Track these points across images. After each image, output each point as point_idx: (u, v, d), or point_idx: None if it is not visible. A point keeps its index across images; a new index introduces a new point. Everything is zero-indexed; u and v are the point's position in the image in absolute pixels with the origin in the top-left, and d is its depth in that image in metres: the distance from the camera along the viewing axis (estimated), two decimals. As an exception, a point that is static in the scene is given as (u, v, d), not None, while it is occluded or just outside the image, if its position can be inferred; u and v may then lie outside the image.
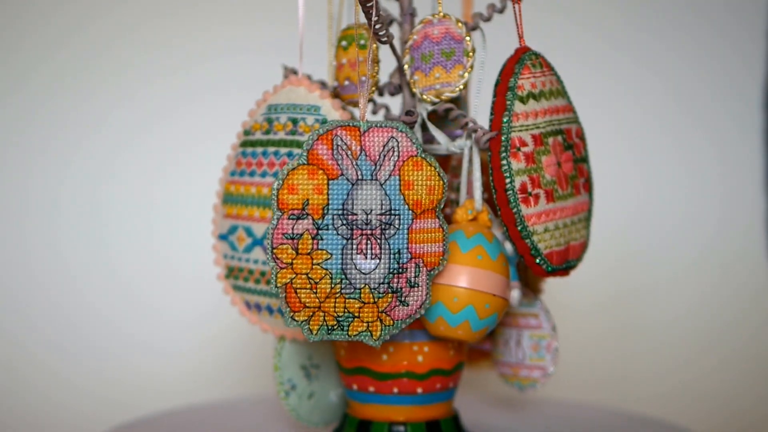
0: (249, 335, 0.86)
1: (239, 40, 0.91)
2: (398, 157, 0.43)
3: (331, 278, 0.43)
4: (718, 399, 0.91)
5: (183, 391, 0.88)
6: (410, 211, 0.43)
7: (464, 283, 0.46)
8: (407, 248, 0.43)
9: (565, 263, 0.48)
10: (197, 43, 0.91)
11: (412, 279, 0.43)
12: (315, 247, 0.43)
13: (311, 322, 0.43)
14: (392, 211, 0.43)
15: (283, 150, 0.50)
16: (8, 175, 0.90)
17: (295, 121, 0.50)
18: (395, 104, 0.55)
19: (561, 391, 0.85)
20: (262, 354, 0.83)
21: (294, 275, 0.43)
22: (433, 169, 0.43)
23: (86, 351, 0.89)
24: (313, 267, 0.43)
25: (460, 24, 0.49)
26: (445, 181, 0.44)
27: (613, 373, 0.92)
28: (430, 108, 0.50)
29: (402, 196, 0.43)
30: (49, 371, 0.89)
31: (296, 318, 0.43)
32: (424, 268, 0.43)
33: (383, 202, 0.43)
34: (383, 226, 0.43)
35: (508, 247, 0.49)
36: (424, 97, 0.49)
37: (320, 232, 0.43)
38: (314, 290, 0.43)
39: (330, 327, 0.43)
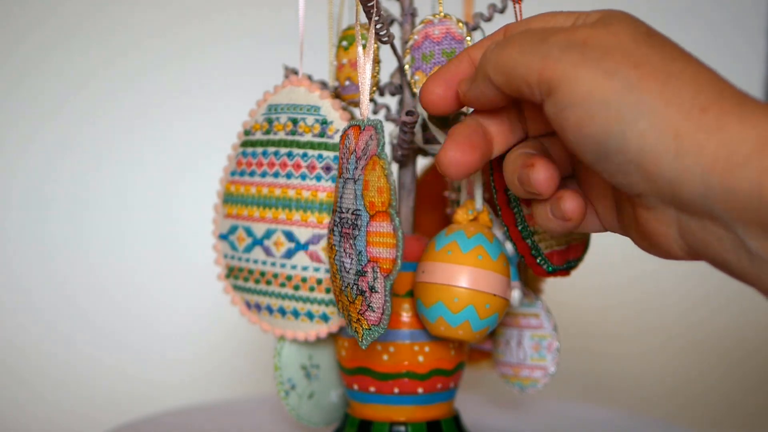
0: (249, 335, 0.86)
1: (240, 40, 0.91)
2: (368, 156, 0.41)
3: (339, 273, 0.43)
4: (718, 399, 0.91)
5: (183, 392, 0.88)
6: (367, 213, 0.41)
7: (465, 283, 0.46)
8: (365, 250, 0.41)
9: (565, 263, 0.48)
10: (198, 42, 0.91)
11: (372, 283, 0.41)
12: (332, 242, 0.44)
13: (344, 314, 0.44)
14: (357, 211, 0.42)
15: (283, 150, 0.50)
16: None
17: (295, 121, 0.50)
18: (396, 104, 0.55)
19: (561, 391, 0.85)
20: (262, 354, 0.83)
21: (330, 268, 0.45)
22: (382, 169, 0.40)
23: (85, 351, 0.89)
24: (333, 261, 0.44)
25: (461, 24, 0.49)
26: (391, 182, 0.40)
27: (613, 373, 0.92)
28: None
29: (362, 197, 0.42)
30: (49, 372, 0.88)
31: (338, 308, 0.44)
32: (381, 274, 0.41)
33: (354, 201, 0.42)
34: (353, 226, 0.42)
35: (509, 247, 0.49)
36: (425, 97, 0.49)
37: (333, 227, 0.44)
38: (334, 282, 0.44)
39: (348, 321, 0.43)
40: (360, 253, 0.41)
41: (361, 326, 0.42)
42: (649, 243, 0.39)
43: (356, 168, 0.42)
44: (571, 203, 0.40)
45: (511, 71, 0.37)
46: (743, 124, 0.33)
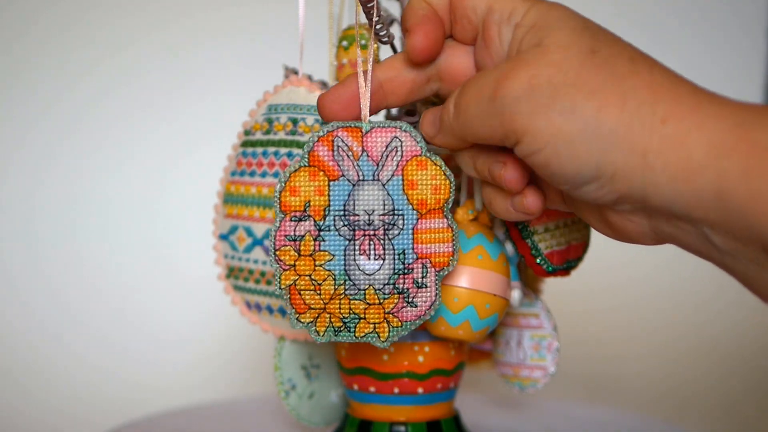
0: (249, 335, 0.86)
1: (239, 39, 0.91)
2: (401, 156, 0.42)
3: (335, 279, 0.43)
4: (717, 400, 0.91)
5: (183, 391, 0.88)
6: (414, 211, 0.42)
7: (465, 283, 0.46)
8: (412, 248, 0.43)
9: (565, 263, 0.48)
10: (199, 43, 0.91)
11: (419, 280, 0.43)
12: (317, 248, 0.43)
13: (317, 324, 0.43)
14: (395, 212, 0.42)
15: (283, 150, 0.50)
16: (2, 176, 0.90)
17: (295, 122, 0.50)
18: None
19: (561, 391, 0.85)
20: (262, 354, 0.83)
21: (297, 277, 0.43)
22: (438, 168, 0.42)
23: (85, 350, 0.89)
24: (316, 268, 0.43)
25: (460, 24, 0.49)
26: (452, 180, 0.42)
27: (613, 374, 0.92)
28: (430, 106, 0.50)
29: (405, 196, 0.42)
30: (50, 372, 0.88)
31: (302, 320, 0.43)
32: (432, 269, 0.43)
33: (386, 202, 0.42)
34: (386, 227, 0.42)
35: (509, 247, 0.49)
36: (425, 96, 0.49)
37: (322, 233, 0.43)
38: (318, 291, 0.43)
39: (336, 328, 0.43)
40: (403, 252, 0.42)
41: (389, 325, 0.42)
42: (615, 233, 0.40)
43: (380, 169, 0.42)
44: (533, 199, 0.40)
45: (476, 134, 0.38)
46: (700, 130, 0.34)
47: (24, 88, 0.89)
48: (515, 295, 0.49)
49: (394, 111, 0.54)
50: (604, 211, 0.39)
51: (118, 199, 0.91)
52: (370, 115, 0.43)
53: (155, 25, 0.91)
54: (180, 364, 0.90)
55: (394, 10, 0.53)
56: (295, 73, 0.52)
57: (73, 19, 0.89)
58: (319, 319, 0.43)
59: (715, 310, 0.91)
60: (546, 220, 0.47)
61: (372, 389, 0.50)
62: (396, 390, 0.50)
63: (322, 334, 0.43)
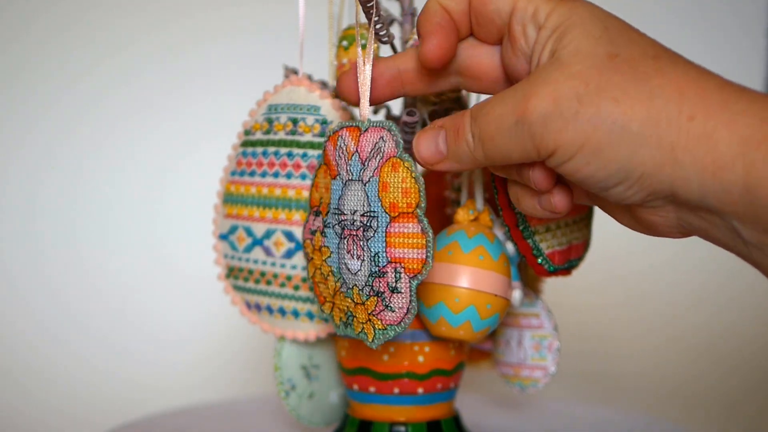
0: (249, 335, 0.86)
1: (239, 39, 0.91)
2: (382, 157, 0.41)
3: (334, 275, 0.43)
4: (718, 399, 0.91)
5: (183, 391, 0.88)
6: (386, 214, 0.41)
7: (466, 284, 0.46)
8: (385, 251, 0.41)
9: (567, 263, 0.48)
10: (199, 43, 0.91)
11: (393, 284, 0.41)
12: (323, 243, 0.43)
13: (334, 315, 0.44)
14: (371, 213, 0.42)
15: (283, 150, 0.50)
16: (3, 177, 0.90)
17: (295, 121, 0.50)
18: (396, 104, 0.55)
19: (562, 391, 0.85)
20: (262, 354, 0.83)
21: (314, 269, 0.45)
22: (408, 171, 0.41)
23: (85, 350, 0.89)
24: (323, 262, 0.44)
25: (460, 24, 0.49)
26: (420, 184, 0.41)
27: (613, 373, 0.92)
28: (431, 107, 0.50)
29: (379, 198, 0.41)
30: (50, 372, 0.88)
31: (324, 309, 0.44)
32: (405, 275, 0.41)
33: (365, 202, 0.42)
34: (364, 227, 0.42)
35: (510, 247, 0.49)
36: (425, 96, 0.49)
37: (325, 229, 0.43)
38: (326, 285, 0.44)
39: (345, 322, 0.43)
40: (377, 254, 0.41)
41: (374, 327, 0.42)
42: (642, 227, 0.40)
43: (364, 169, 0.42)
44: (561, 198, 0.41)
45: (507, 159, 0.39)
46: (727, 126, 0.34)
47: (24, 88, 0.89)
48: (516, 295, 0.49)
49: (395, 112, 0.54)
50: (631, 206, 0.39)
51: (118, 198, 0.91)
52: (387, 101, 0.43)
53: (155, 25, 0.91)
54: (180, 364, 0.90)
55: (394, 10, 0.53)
56: (295, 72, 0.52)
57: (73, 19, 0.89)
58: (334, 311, 0.44)
59: (715, 309, 0.91)
60: (547, 220, 0.47)
61: (372, 389, 0.50)
62: (396, 390, 0.50)
63: (338, 325, 0.44)
